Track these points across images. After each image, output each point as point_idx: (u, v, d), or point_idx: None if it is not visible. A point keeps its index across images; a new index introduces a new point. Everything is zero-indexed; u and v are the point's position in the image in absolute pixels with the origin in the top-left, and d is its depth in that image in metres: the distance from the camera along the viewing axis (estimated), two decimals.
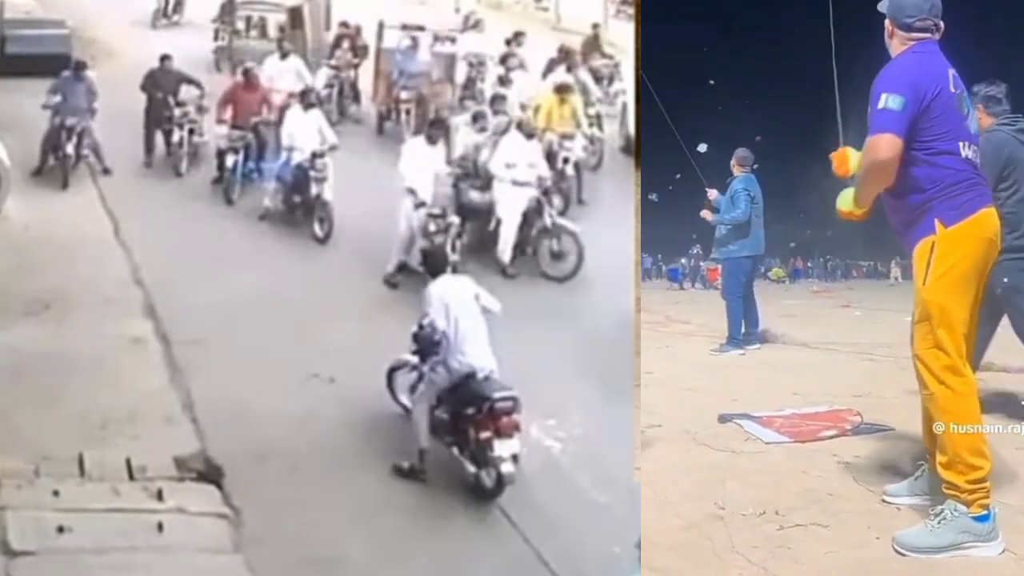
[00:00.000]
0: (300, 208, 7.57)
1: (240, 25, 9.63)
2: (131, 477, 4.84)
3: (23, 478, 4.73)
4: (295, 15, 9.54)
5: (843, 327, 11.19)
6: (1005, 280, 4.94)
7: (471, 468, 5.00)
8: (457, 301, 5.20)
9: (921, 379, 3.56)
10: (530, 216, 7.20)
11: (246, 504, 4.76)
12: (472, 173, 7.49)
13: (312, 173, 7.46)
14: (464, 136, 7.76)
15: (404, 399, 5.46)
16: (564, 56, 9.14)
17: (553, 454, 5.32)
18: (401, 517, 4.84)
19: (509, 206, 7.23)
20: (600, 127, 8.77)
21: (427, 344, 5.14)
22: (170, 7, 10.24)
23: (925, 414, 3.72)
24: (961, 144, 3.52)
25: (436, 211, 6.91)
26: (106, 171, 7.89)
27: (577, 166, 8.07)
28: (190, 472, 4.94)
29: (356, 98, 9.38)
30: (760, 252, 9.19)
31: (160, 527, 4.51)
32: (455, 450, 5.11)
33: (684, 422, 5.40)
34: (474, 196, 7.31)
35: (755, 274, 9.50)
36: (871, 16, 3.82)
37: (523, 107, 8.36)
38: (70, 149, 7.66)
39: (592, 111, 8.74)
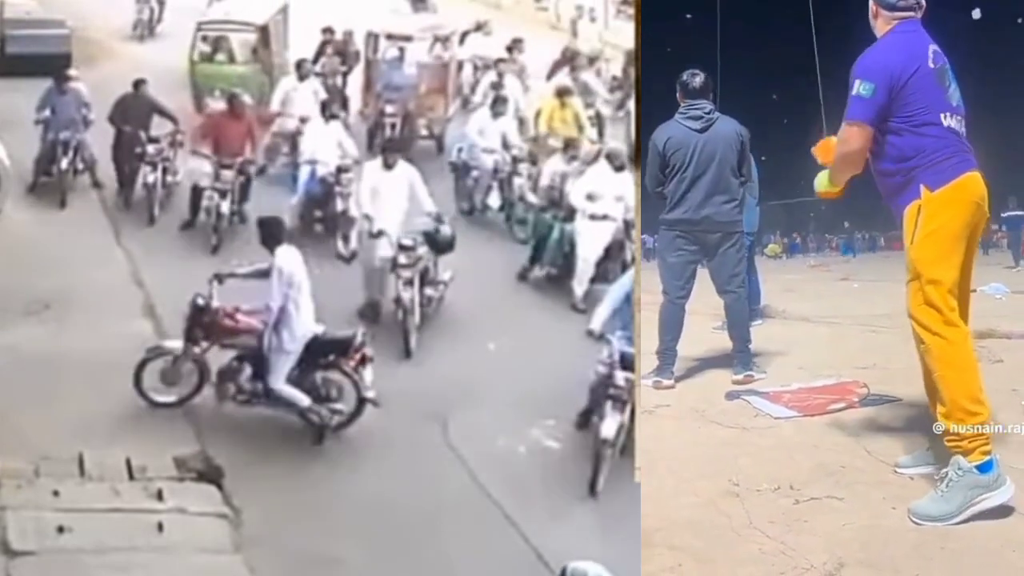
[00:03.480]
0: (319, 223, 7.25)
1: (206, 48, 8.52)
2: (131, 477, 4.85)
3: (23, 478, 4.74)
4: (264, 34, 8.64)
5: (843, 300, 11.18)
6: (657, 245, 6.02)
7: (317, 408, 5.32)
8: (299, 270, 5.40)
9: (916, 336, 3.66)
10: (612, 250, 6.80)
11: (246, 504, 4.76)
12: (556, 203, 7.16)
13: (337, 188, 7.13)
14: (552, 165, 7.45)
15: (155, 395, 5.44)
16: (568, 58, 9.00)
17: (553, 454, 5.32)
18: (400, 516, 4.83)
19: (588, 240, 6.79)
20: (601, 128, 8.64)
21: (200, 323, 5.43)
22: (154, 17, 9.61)
23: (926, 376, 3.77)
24: (943, 115, 3.65)
25: (407, 242, 6.34)
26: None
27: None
28: (190, 472, 4.94)
29: (344, 105, 8.77)
30: (755, 228, 9.16)
31: (160, 527, 4.52)
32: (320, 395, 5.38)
33: (692, 400, 5.41)
34: (445, 230, 6.65)
35: (753, 250, 9.50)
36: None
37: (518, 115, 8.19)
38: (65, 164, 7.29)
39: (591, 111, 8.63)
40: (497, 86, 8.34)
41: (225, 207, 7.03)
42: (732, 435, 4.75)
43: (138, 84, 7.51)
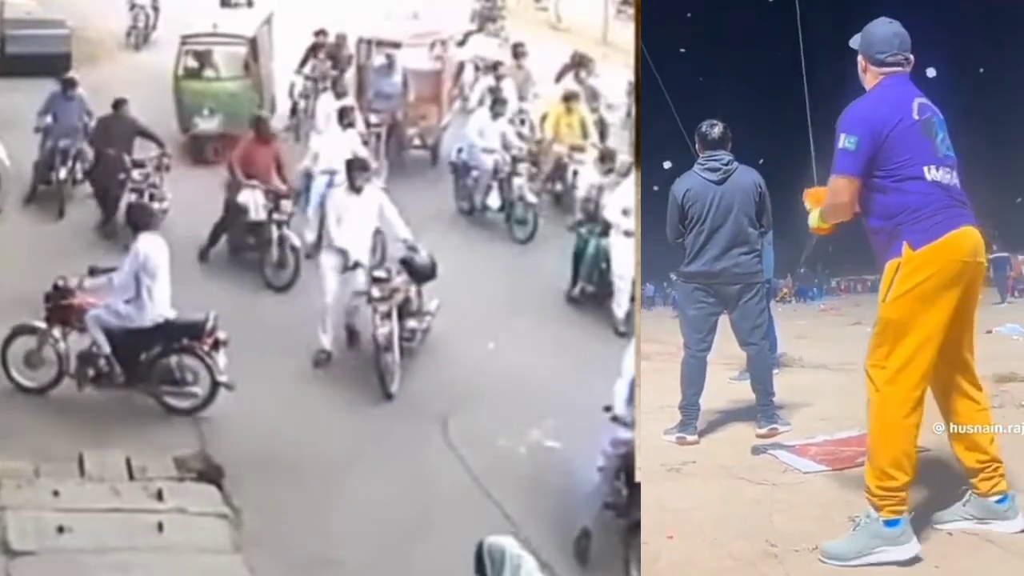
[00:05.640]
0: None
1: (193, 63, 7.87)
2: (131, 477, 4.87)
3: (23, 478, 4.76)
4: (253, 47, 8.02)
5: (857, 346, 10.99)
6: (676, 297, 5.84)
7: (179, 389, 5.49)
8: (160, 257, 5.57)
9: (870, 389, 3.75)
10: None
11: (246, 504, 4.77)
12: (592, 217, 6.83)
13: None
14: (587, 176, 7.17)
15: (19, 378, 5.54)
16: (577, 62, 8.86)
17: (554, 455, 5.32)
18: (400, 517, 4.84)
19: (623, 257, 6.42)
20: (604, 134, 8.45)
21: (58, 305, 5.57)
22: (149, 24, 8.97)
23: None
24: (926, 169, 3.66)
25: (381, 274, 5.92)
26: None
27: None
28: (190, 472, 4.96)
29: None
30: (772, 273, 8.98)
31: (160, 527, 4.54)
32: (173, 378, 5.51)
33: (718, 456, 5.27)
34: (421, 257, 6.15)
35: (770, 297, 9.28)
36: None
37: (514, 120, 8.03)
38: (63, 174, 6.99)
39: (595, 116, 8.47)
40: (495, 90, 8.20)
41: (296, 238, 6.57)
42: (763, 492, 4.60)
43: (118, 104, 7.02)
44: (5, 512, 4.52)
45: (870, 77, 3.86)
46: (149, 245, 5.58)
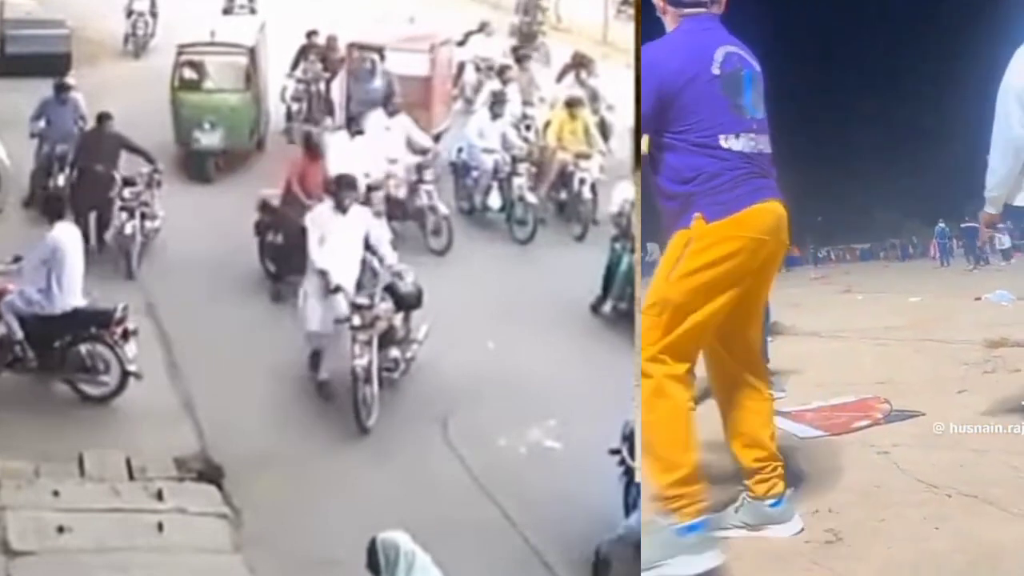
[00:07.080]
0: None
1: (192, 74, 7.58)
2: (131, 477, 4.88)
3: (23, 478, 4.76)
4: (254, 57, 7.69)
5: (849, 313, 11.10)
6: None
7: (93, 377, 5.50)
8: (71, 247, 5.62)
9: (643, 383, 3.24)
10: None
11: (246, 504, 4.77)
12: (625, 231, 6.58)
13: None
14: (621, 191, 6.90)
15: None
16: (577, 63, 8.80)
17: (555, 455, 5.32)
18: (400, 517, 4.83)
19: None
20: (606, 135, 8.23)
21: None
22: (148, 31, 8.80)
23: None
24: (723, 137, 3.14)
25: (363, 300, 5.54)
26: None
27: (594, 187, 7.49)
28: (190, 472, 4.96)
29: (331, 112, 8.18)
30: None
31: (160, 527, 4.54)
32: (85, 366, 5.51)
33: (714, 423, 5.35)
34: (406, 284, 5.80)
35: None
36: None
37: (519, 126, 7.96)
38: (62, 181, 6.78)
39: (596, 118, 8.39)
40: (498, 94, 8.04)
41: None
42: None
43: (103, 118, 6.69)
44: (5, 512, 4.52)
45: (670, 20, 3.30)
46: (62, 235, 5.63)
